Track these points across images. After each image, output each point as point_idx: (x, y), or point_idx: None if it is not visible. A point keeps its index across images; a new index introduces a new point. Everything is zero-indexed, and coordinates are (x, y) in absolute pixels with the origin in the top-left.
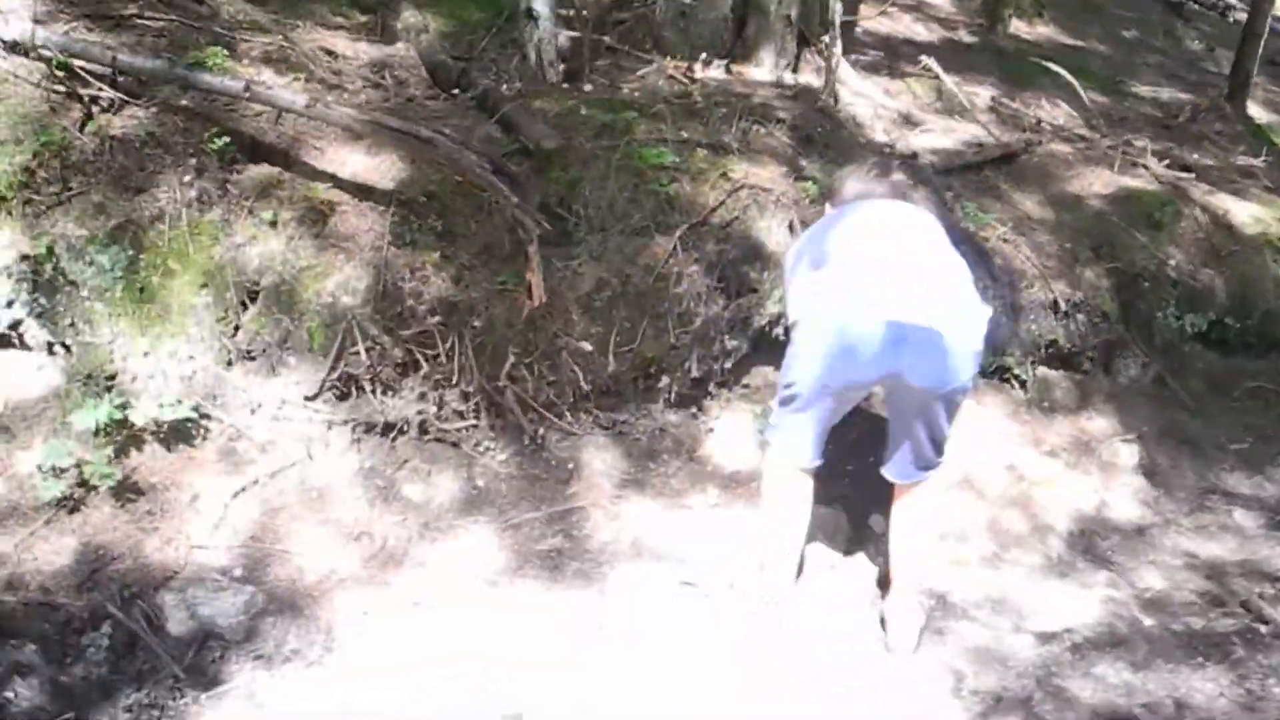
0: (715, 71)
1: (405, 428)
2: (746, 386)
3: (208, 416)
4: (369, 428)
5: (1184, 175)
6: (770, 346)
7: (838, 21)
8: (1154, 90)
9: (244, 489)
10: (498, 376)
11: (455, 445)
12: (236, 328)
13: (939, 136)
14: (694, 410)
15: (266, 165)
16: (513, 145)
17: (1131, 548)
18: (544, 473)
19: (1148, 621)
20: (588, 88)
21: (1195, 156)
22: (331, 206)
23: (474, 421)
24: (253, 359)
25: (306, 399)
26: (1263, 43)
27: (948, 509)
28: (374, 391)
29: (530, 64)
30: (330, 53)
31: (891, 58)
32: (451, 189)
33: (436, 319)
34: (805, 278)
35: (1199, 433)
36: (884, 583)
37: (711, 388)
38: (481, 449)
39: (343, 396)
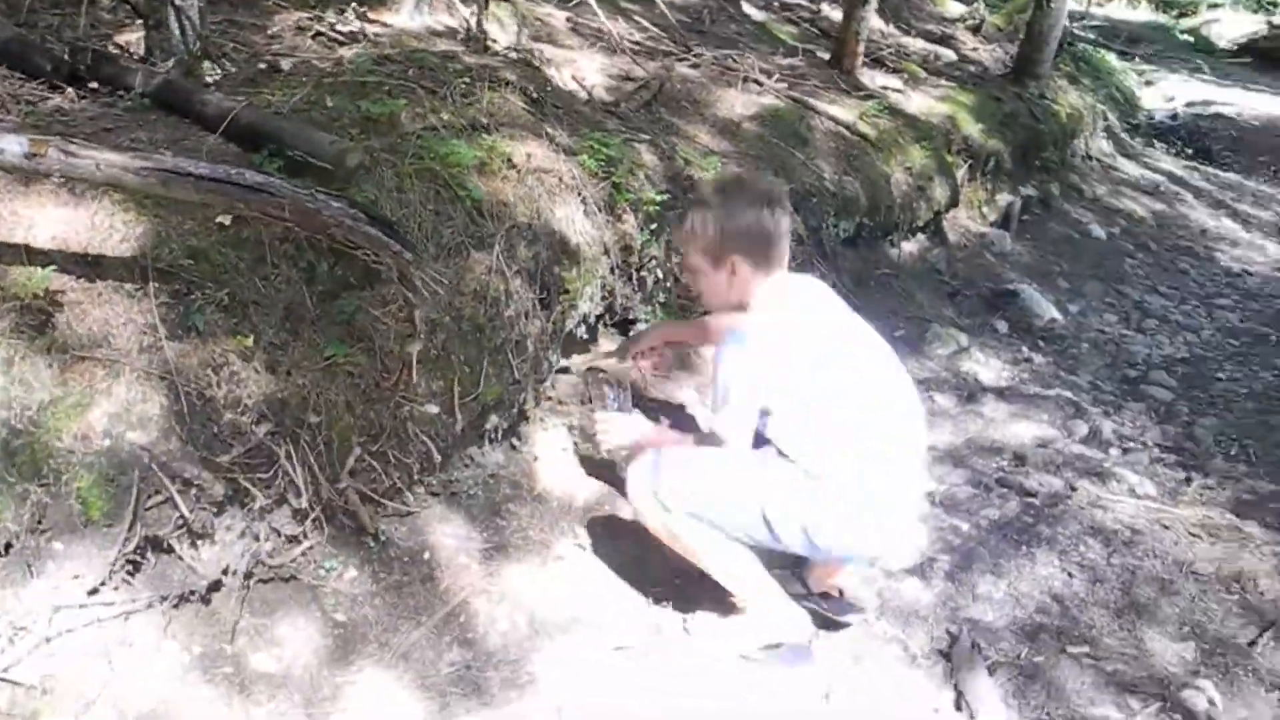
0: (356, 23)
1: (224, 581)
2: (550, 398)
3: None
4: (182, 599)
5: (780, 87)
6: (574, 347)
7: None
8: None
9: None
10: (339, 477)
11: (292, 579)
12: None
13: (591, 71)
14: (513, 442)
15: None
16: (271, 164)
17: None
18: (403, 575)
19: (964, 526)
20: (213, 69)
21: (751, 60)
22: (53, 298)
23: (310, 542)
24: None
25: (91, 593)
26: None
27: None
28: (183, 547)
29: (172, 36)
30: None
31: None
32: (217, 238)
33: (266, 428)
34: (822, 427)
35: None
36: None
37: (531, 409)
38: (325, 572)
39: (136, 569)
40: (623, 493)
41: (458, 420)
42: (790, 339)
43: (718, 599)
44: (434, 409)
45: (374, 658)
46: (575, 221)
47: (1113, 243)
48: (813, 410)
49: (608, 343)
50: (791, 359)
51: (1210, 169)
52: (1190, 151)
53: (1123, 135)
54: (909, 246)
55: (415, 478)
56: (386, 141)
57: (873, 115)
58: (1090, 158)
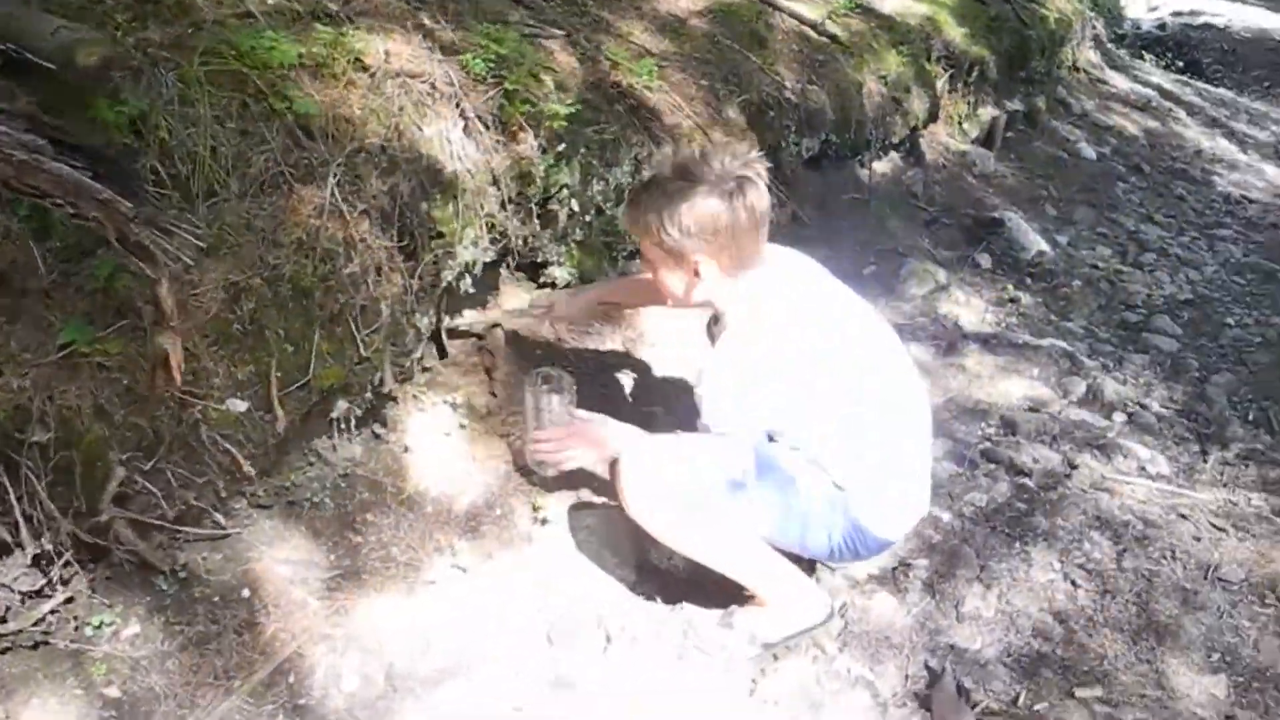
0: None
1: None
2: (428, 369)
3: None
4: None
5: None
6: (460, 303)
7: None
8: None
9: None
10: (97, 508)
11: (41, 645)
12: None
13: None
14: (377, 428)
15: None
16: None
17: None
18: (210, 623)
19: (945, 517)
20: None
21: None
22: None
23: (65, 594)
24: None
25: None
26: None
27: None
28: None
29: None
30: None
31: None
32: None
33: None
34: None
35: (836, 264)
36: None
37: (394, 388)
38: (92, 631)
39: None
40: (527, 482)
41: (278, 417)
42: (783, 349)
43: (652, 622)
44: (240, 405)
45: None
46: (452, 142)
47: (1103, 164)
48: (825, 418)
49: (515, 292)
50: (790, 372)
51: (1201, 84)
52: (1180, 64)
53: (1109, 45)
54: (881, 167)
55: (222, 494)
56: (170, 33)
57: (843, 14)
58: (1078, 69)
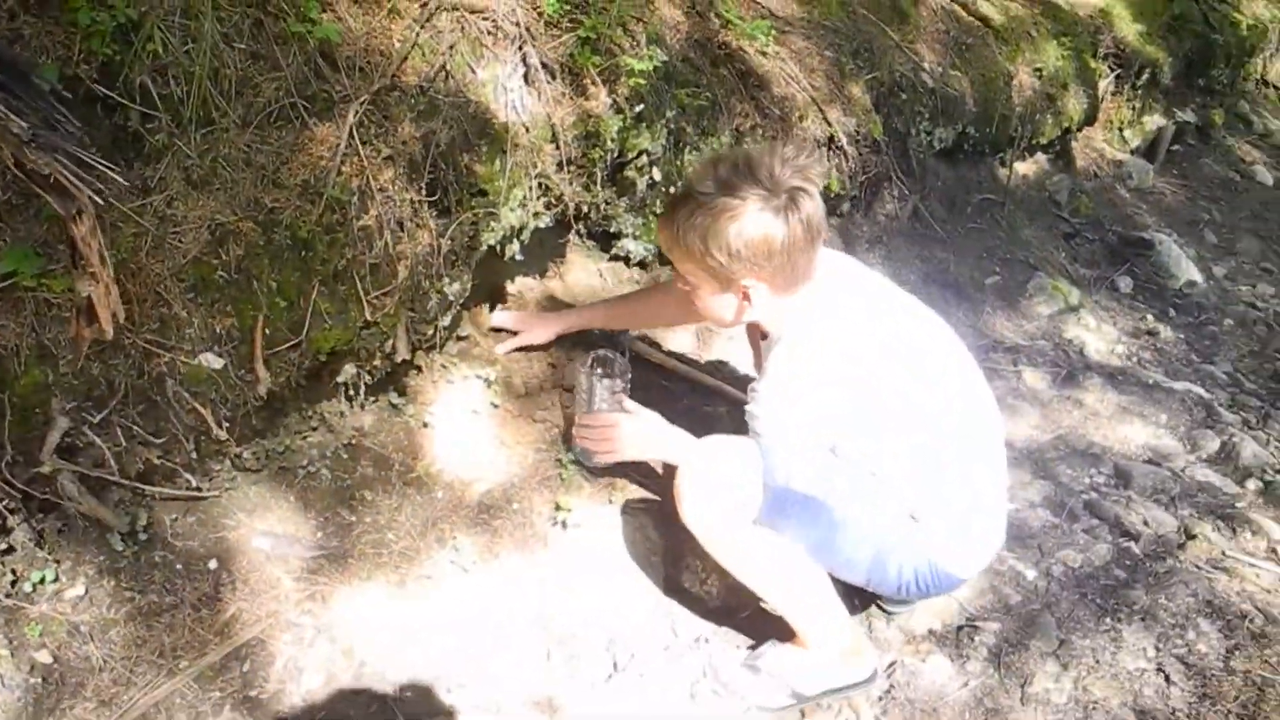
0: None
1: None
2: (464, 338)
3: None
4: None
5: None
6: (498, 271)
7: None
8: None
9: None
10: (36, 457)
11: None
12: None
13: None
14: (394, 397)
15: None
16: None
17: None
18: (166, 591)
19: (1030, 575)
20: None
21: None
22: None
23: (2, 544)
24: None
25: None
26: None
27: None
28: None
29: None
30: None
31: None
32: None
33: None
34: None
35: (955, 268)
36: None
37: (418, 356)
38: (32, 586)
39: None
40: (560, 475)
41: (260, 378)
42: (846, 354)
43: (669, 654)
44: (215, 361)
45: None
46: (508, 90)
47: None
48: (893, 435)
49: (584, 263)
50: (853, 378)
51: None
52: None
53: None
54: (1023, 168)
55: (193, 454)
56: None
57: None
58: (1267, 84)
